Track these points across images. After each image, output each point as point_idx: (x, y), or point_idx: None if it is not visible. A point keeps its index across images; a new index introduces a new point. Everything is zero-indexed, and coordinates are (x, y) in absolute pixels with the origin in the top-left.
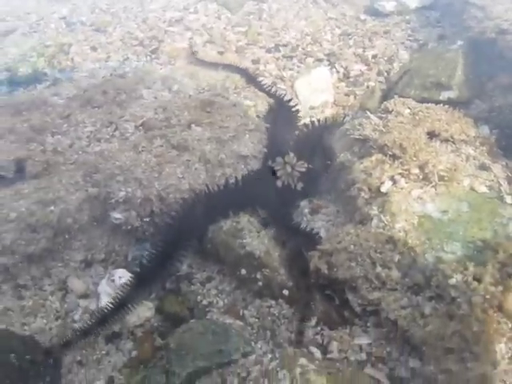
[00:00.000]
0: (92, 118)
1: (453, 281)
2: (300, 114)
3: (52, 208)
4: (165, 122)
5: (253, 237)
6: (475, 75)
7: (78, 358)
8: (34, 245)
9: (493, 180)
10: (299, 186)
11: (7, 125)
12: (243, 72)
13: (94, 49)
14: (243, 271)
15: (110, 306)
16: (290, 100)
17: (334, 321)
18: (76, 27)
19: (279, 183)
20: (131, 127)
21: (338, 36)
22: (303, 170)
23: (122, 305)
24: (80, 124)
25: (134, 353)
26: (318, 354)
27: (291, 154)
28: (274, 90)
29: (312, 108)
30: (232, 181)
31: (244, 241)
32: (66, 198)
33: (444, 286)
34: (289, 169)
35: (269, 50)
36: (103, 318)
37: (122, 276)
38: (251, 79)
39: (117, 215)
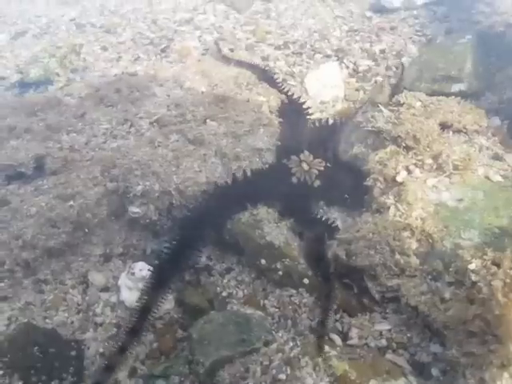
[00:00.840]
0: (107, 115)
1: (472, 266)
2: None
3: (71, 203)
4: (180, 117)
5: (272, 227)
6: (485, 68)
7: (101, 351)
8: (54, 239)
9: (507, 169)
10: (316, 183)
11: (23, 125)
12: (266, 74)
13: (104, 49)
14: (263, 261)
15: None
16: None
17: (354, 308)
18: (86, 29)
19: (294, 180)
20: (146, 124)
21: (345, 32)
22: (321, 168)
23: (147, 309)
24: (95, 122)
25: (156, 344)
26: (338, 341)
27: (306, 153)
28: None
29: (322, 103)
30: (249, 173)
31: (263, 231)
32: (84, 193)
33: (463, 271)
34: (305, 166)
35: (278, 47)
36: (135, 330)
37: (142, 269)
38: (272, 82)
39: (135, 209)
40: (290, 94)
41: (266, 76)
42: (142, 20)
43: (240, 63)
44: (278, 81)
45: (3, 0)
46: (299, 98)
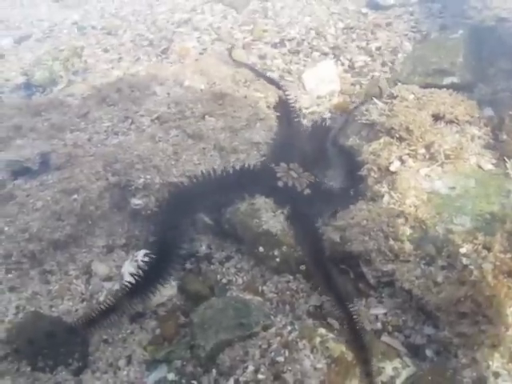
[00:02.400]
0: (108, 114)
1: (463, 250)
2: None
3: (75, 196)
4: (179, 114)
5: (269, 216)
6: (477, 61)
7: (105, 337)
8: (59, 232)
9: (498, 158)
10: (306, 191)
11: (29, 124)
12: (275, 83)
13: (105, 51)
14: (261, 249)
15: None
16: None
17: (350, 293)
18: (87, 31)
19: (280, 184)
20: (147, 121)
21: (341, 29)
22: (311, 180)
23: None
24: (97, 120)
25: (158, 331)
26: (336, 325)
27: (296, 164)
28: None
29: (319, 97)
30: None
31: (261, 220)
32: (88, 187)
33: (455, 255)
34: (294, 174)
35: (275, 46)
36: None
37: (145, 256)
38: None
39: (137, 201)
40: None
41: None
42: (141, 22)
43: (252, 70)
44: (287, 93)
45: (6, 5)
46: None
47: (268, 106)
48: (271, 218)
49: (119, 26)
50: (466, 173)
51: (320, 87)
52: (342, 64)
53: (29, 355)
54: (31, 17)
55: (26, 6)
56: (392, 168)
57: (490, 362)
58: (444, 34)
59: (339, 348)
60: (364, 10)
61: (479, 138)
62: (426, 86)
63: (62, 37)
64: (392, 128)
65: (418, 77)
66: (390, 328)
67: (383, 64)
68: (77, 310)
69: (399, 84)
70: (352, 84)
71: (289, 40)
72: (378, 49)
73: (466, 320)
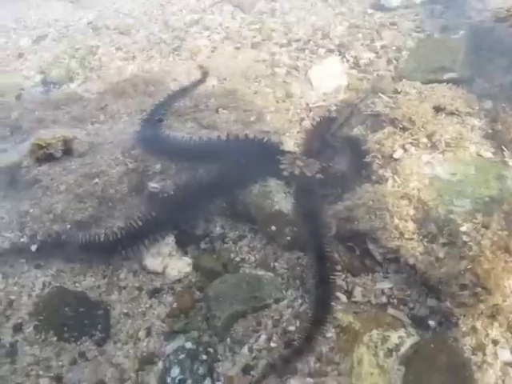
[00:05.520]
0: (126, 107)
1: (463, 228)
2: None
3: (96, 180)
4: (194, 108)
5: (280, 197)
6: (476, 59)
7: (125, 311)
8: (81, 213)
9: (497, 147)
10: (317, 176)
11: (51, 117)
12: None
13: (119, 49)
14: (273, 228)
15: None
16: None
17: (357, 268)
18: (102, 31)
19: (285, 173)
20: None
21: (347, 29)
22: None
23: None
24: (115, 113)
25: (175, 305)
26: (343, 298)
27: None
28: None
29: (325, 94)
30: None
31: (273, 201)
32: (108, 172)
33: (456, 233)
34: (300, 163)
35: (282, 45)
36: None
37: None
38: None
39: (154, 184)
40: None
41: None
42: (154, 21)
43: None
44: None
45: (23, 5)
46: None
47: (277, 101)
48: (282, 199)
49: (132, 25)
50: (466, 160)
51: (326, 83)
52: (348, 61)
53: (55, 326)
54: (47, 17)
55: (41, 6)
56: (395, 155)
57: (489, 331)
58: (446, 33)
59: (347, 318)
60: (369, 11)
61: (479, 128)
62: (427, 82)
63: (77, 36)
64: (395, 118)
65: (421, 73)
66: (395, 301)
67: (388, 61)
68: (99, 286)
69: (403, 80)
70: (358, 79)
71: (296, 40)
72: (383, 47)
73: (466, 291)
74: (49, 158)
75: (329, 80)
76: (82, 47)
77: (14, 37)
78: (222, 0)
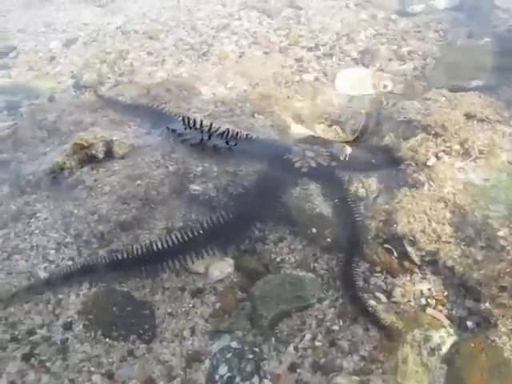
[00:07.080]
0: None
1: (501, 233)
2: None
3: (139, 182)
4: (229, 112)
5: (320, 200)
6: (501, 66)
7: (169, 311)
8: (125, 214)
9: None
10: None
11: (89, 119)
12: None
13: (149, 54)
14: (314, 230)
15: None
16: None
17: (396, 270)
18: (131, 35)
19: (303, 170)
20: (199, 117)
21: (372, 35)
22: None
23: None
24: None
25: (218, 305)
26: (383, 298)
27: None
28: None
29: (350, 100)
30: None
31: (313, 204)
32: (150, 174)
33: (493, 237)
34: (310, 154)
35: (310, 50)
36: None
37: None
38: None
39: (195, 187)
40: None
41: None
42: (181, 27)
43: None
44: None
45: (52, 9)
46: None
47: (309, 105)
48: (322, 202)
49: (160, 30)
50: (498, 167)
51: (353, 89)
52: (374, 67)
53: (104, 325)
54: (76, 21)
55: (69, 10)
56: (429, 163)
57: None
58: (471, 41)
59: (390, 318)
60: (394, 17)
61: (510, 135)
62: (454, 90)
63: (107, 40)
64: (428, 125)
65: (448, 80)
66: (433, 302)
67: (415, 68)
68: (144, 286)
69: (432, 88)
70: (384, 86)
71: (322, 45)
72: (410, 53)
73: (505, 293)
74: (91, 160)
75: (356, 85)
76: (113, 51)
77: (43, 40)
78: (248, 6)
